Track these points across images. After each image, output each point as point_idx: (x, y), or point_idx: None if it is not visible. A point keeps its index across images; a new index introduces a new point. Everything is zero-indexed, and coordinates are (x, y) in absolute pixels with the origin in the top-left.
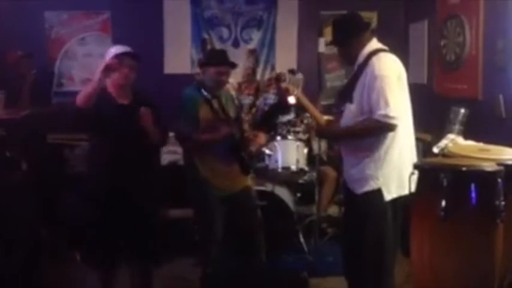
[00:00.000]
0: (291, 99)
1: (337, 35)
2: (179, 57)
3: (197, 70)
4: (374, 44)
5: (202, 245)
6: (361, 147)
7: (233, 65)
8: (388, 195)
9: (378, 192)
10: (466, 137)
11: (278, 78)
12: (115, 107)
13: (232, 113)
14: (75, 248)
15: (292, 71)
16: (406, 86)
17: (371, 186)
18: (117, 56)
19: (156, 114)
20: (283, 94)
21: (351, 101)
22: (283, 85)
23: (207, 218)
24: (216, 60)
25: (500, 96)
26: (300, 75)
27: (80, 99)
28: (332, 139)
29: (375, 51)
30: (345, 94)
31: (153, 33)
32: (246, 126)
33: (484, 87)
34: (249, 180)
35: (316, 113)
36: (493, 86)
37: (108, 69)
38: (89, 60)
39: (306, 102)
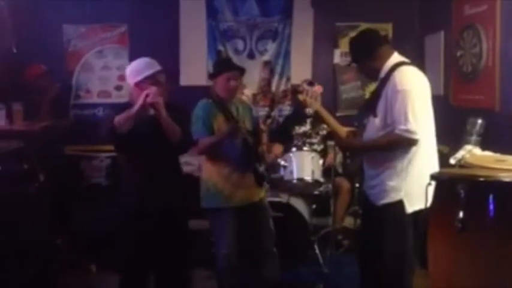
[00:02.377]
0: (308, 111)
1: (355, 52)
2: (195, 69)
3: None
4: (396, 57)
5: (216, 257)
6: (384, 159)
7: (241, 70)
8: (410, 208)
9: (400, 204)
10: (483, 148)
11: (295, 91)
12: (149, 121)
13: (248, 123)
14: (92, 259)
15: (310, 83)
16: (429, 98)
17: (392, 197)
18: (150, 77)
19: (183, 119)
20: (300, 106)
21: (374, 114)
22: (301, 97)
23: (220, 230)
24: (222, 66)
25: None
26: (318, 87)
27: (119, 124)
28: (353, 151)
29: (397, 65)
30: (369, 107)
31: (169, 45)
32: (264, 137)
33: (501, 98)
34: (263, 192)
35: (336, 125)
36: (510, 97)
37: (148, 97)
38: (106, 72)
39: (325, 114)
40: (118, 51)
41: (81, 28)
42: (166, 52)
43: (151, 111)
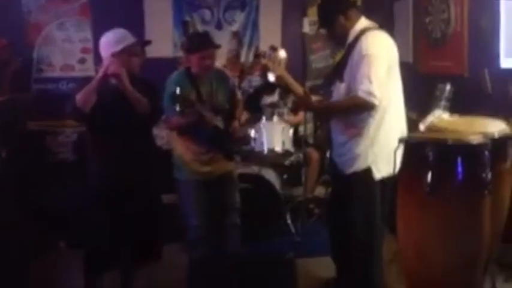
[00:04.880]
0: (271, 77)
1: (323, 16)
2: (161, 40)
3: (180, 53)
4: (363, 22)
5: (187, 228)
6: (350, 126)
7: (216, 46)
8: (378, 174)
9: (367, 171)
10: (452, 113)
11: (258, 55)
12: (115, 95)
13: (222, 96)
14: (60, 236)
15: (273, 48)
16: (397, 63)
17: (360, 165)
18: (128, 48)
19: (150, 91)
20: (264, 71)
21: (341, 79)
22: (263, 62)
23: (188, 203)
24: (198, 44)
25: (486, 72)
26: (282, 53)
27: (80, 102)
28: (314, 112)
29: (364, 30)
30: (335, 73)
31: (133, 17)
32: (240, 108)
33: (470, 63)
34: (232, 165)
35: (299, 90)
36: (479, 62)
37: (108, 75)
38: (69, 45)
39: (288, 79)
40: (80, 23)
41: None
42: (131, 23)
43: (114, 82)
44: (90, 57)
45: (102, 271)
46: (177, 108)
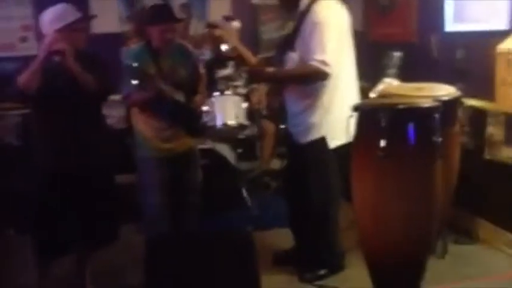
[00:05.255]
0: (225, 48)
1: None
2: (106, 14)
3: (126, 28)
4: None
5: (143, 209)
6: (304, 96)
7: (179, 20)
8: (332, 143)
9: (322, 140)
10: (401, 80)
11: (211, 26)
12: (60, 72)
13: (183, 70)
14: (9, 223)
15: (227, 18)
16: (349, 32)
17: (315, 135)
18: (60, 31)
19: (97, 67)
20: (217, 43)
21: (292, 49)
22: (217, 32)
23: (147, 181)
24: (159, 17)
25: (432, 37)
26: (236, 23)
27: (23, 83)
28: (266, 81)
29: None
30: (287, 43)
31: None
32: (202, 84)
33: (418, 29)
34: (194, 142)
35: (253, 61)
36: (426, 28)
37: (51, 53)
38: (8, 23)
39: (243, 50)
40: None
41: None
42: None
43: (58, 59)
44: (31, 35)
45: (56, 257)
46: (135, 82)
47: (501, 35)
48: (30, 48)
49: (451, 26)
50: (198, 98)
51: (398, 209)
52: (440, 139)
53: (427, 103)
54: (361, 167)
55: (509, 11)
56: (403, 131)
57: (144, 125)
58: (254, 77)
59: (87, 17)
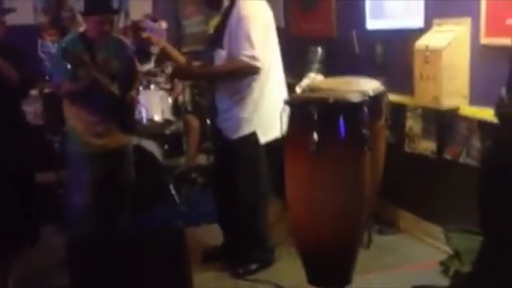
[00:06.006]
0: (154, 49)
1: None
2: (20, 6)
3: (41, 19)
4: None
5: (69, 208)
6: (234, 92)
7: (115, 12)
8: (263, 138)
9: (253, 135)
10: (325, 75)
11: (137, 28)
12: None
13: (118, 63)
14: None
15: (153, 19)
16: (274, 27)
17: (245, 130)
18: None
19: (18, 59)
20: (142, 43)
21: (221, 46)
22: (145, 35)
23: (76, 178)
24: (96, 8)
25: (353, 33)
26: (163, 24)
27: None
28: (195, 79)
29: None
30: (215, 39)
31: None
32: (137, 79)
33: (338, 25)
34: (127, 138)
35: (181, 59)
36: (347, 24)
37: None
38: None
39: (171, 50)
40: None
41: None
42: None
43: None
44: None
45: None
46: (68, 66)
47: (418, 32)
48: None
49: (370, 22)
50: (133, 93)
51: (330, 201)
52: (368, 132)
53: (356, 97)
54: (293, 160)
55: (424, 9)
56: (334, 125)
57: (74, 119)
58: (183, 75)
59: (5, 10)
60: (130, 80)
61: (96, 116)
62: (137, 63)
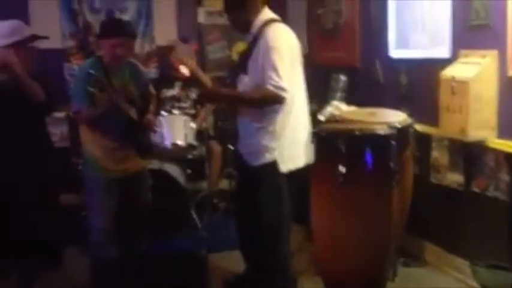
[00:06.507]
0: (184, 70)
1: (229, 2)
2: (47, 30)
3: (69, 44)
4: (267, 13)
5: (90, 232)
6: (257, 118)
7: (132, 35)
8: (284, 167)
9: (274, 163)
10: (348, 103)
11: (169, 48)
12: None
13: (134, 88)
14: None
15: (184, 40)
16: (300, 56)
17: (267, 158)
18: (8, 48)
19: (42, 81)
20: (169, 67)
21: (245, 72)
22: (174, 57)
23: (95, 203)
24: (110, 31)
25: (377, 62)
26: (193, 44)
27: None
28: (222, 102)
29: (269, 22)
30: (240, 65)
31: (17, 6)
32: (153, 104)
33: (362, 54)
34: (144, 162)
35: (209, 82)
36: (370, 53)
37: (4, 67)
38: None
39: (200, 72)
40: None
41: None
42: (14, 12)
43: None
44: None
45: None
46: (91, 90)
47: (443, 63)
48: None
49: (394, 52)
50: (149, 117)
51: (356, 234)
52: (396, 165)
53: (383, 130)
54: (319, 191)
55: (450, 39)
56: (361, 157)
57: (93, 144)
58: (209, 97)
59: (38, 36)
60: (145, 104)
61: (114, 141)
62: (152, 87)
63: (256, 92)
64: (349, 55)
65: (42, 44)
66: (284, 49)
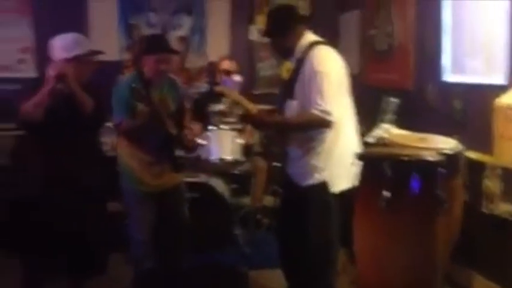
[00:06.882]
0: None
1: (271, 26)
2: (105, 43)
3: (125, 57)
4: (310, 36)
5: (131, 242)
6: (305, 141)
7: (173, 51)
8: (334, 188)
9: (324, 184)
10: (398, 127)
11: (213, 72)
12: (61, 99)
13: (172, 103)
14: None
15: (227, 72)
16: (346, 78)
17: (316, 178)
18: (69, 61)
19: (96, 93)
20: (216, 84)
21: (291, 97)
22: (218, 89)
23: (134, 216)
24: (156, 47)
25: (430, 86)
26: (237, 78)
27: (28, 115)
28: (267, 128)
29: (313, 44)
30: (286, 90)
31: (76, 18)
32: (187, 119)
33: (415, 77)
34: (181, 177)
35: (254, 111)
36: (423, 76)
37: (59, 79)
38: (6, 44)
39: (244, 103)
40: (18, 21)
41: None
42: (73, 25)
43: (59, 87)
44: (29, 58)
45: (43, 283)
46: (133, 103)
47: (499, 89)
48: (28, 70)
49: (448, 76)
50: (186, 131)
51: (400, 260)
52: (443, 192)
53: (431, 156)
54: (363, 214)
55: (507, 66)
56: (407, 183)
57: (129, 158)
58: (255, 124)
59: (96, 52)
60: (181, 119)
61: (151, 155)
62: (186, 102)
63: (301, 117)
64: (402, 77)
65: (100, 57)
66: (330, 72)
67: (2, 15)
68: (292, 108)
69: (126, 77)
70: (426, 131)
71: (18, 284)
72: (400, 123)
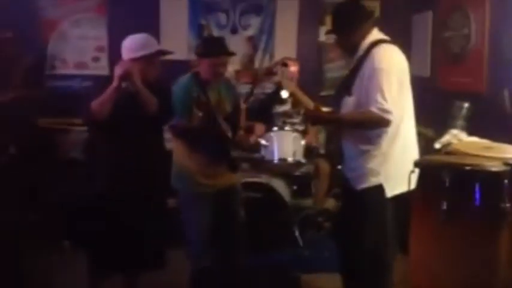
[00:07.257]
0: (284, 93)
1: (337, 23)
2: (175, 43)
3: (193, 56)
4: (375, 34)
5: (188, 241)
6: (363, 141)
7: (231, 54)
8: (390, 192)
9: (379, 188)
10: (469, 133)
11: (269, 72)
12: (127, 97)
13: (228, 104)
14: (65, 235)
15: (284, 64)
16: (408, 78)
17: (372, 182)
18: (135, 60)
19: (161, 92)
20: (280, 85)
21: (349, 93)
22: (276, 79)
23: (189, 217)
24: (212, 50)
25: (505, 91)
26: (294, 67)
27: (96, 113)
28: (323, 125)
29: (376, 42)
30: (344, 87)
31: (149, 18)
32: (242, 119)
33: (489, 81)
34: (236, 177)
35: (310, 104)
36: (498, 80)
37: (124, 78)
38: (83, 43)
39: (300, 95)
40: (95, 20)
41: None
42: (146, 25)
43: (125, 85)
44: (104, 56)
45: (107, 274)
46: (191, 105)
47: None
48: (102, 68)
49: None
50: (240, 132)
51: (457, 275)
52: (508, 205)
53: (495, 166)
54: (420, 224)
55: None
56: (468, 194)
57: (185, 159)
58: (312, 119)
59: (164, 52)
60: (237, 121)
61: (207, 156)
62: (241, 102)
63: (360, 114)
64: (475, 81)
65: (170, 56)
66: (391, 70)
67: (82, 14)
68: (348, 105)
69: (184, 78)
70: (499, 138)
71: (86, 276)
72: (472, 130)
